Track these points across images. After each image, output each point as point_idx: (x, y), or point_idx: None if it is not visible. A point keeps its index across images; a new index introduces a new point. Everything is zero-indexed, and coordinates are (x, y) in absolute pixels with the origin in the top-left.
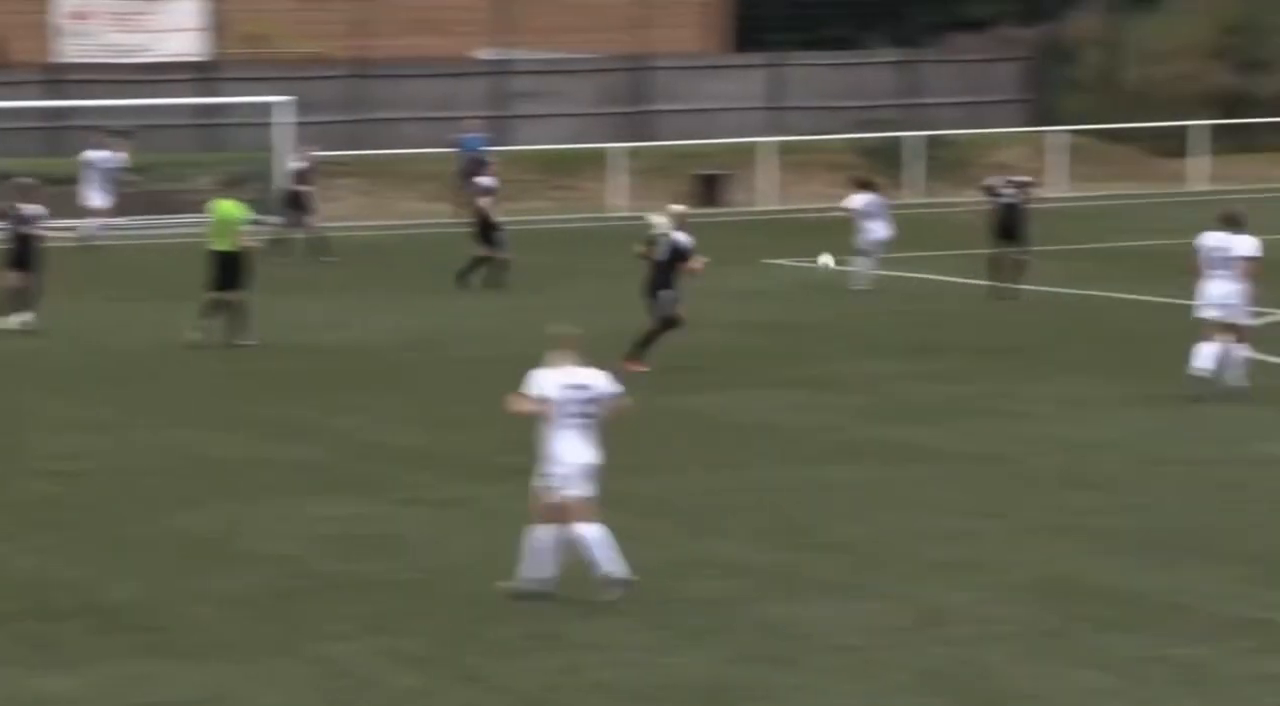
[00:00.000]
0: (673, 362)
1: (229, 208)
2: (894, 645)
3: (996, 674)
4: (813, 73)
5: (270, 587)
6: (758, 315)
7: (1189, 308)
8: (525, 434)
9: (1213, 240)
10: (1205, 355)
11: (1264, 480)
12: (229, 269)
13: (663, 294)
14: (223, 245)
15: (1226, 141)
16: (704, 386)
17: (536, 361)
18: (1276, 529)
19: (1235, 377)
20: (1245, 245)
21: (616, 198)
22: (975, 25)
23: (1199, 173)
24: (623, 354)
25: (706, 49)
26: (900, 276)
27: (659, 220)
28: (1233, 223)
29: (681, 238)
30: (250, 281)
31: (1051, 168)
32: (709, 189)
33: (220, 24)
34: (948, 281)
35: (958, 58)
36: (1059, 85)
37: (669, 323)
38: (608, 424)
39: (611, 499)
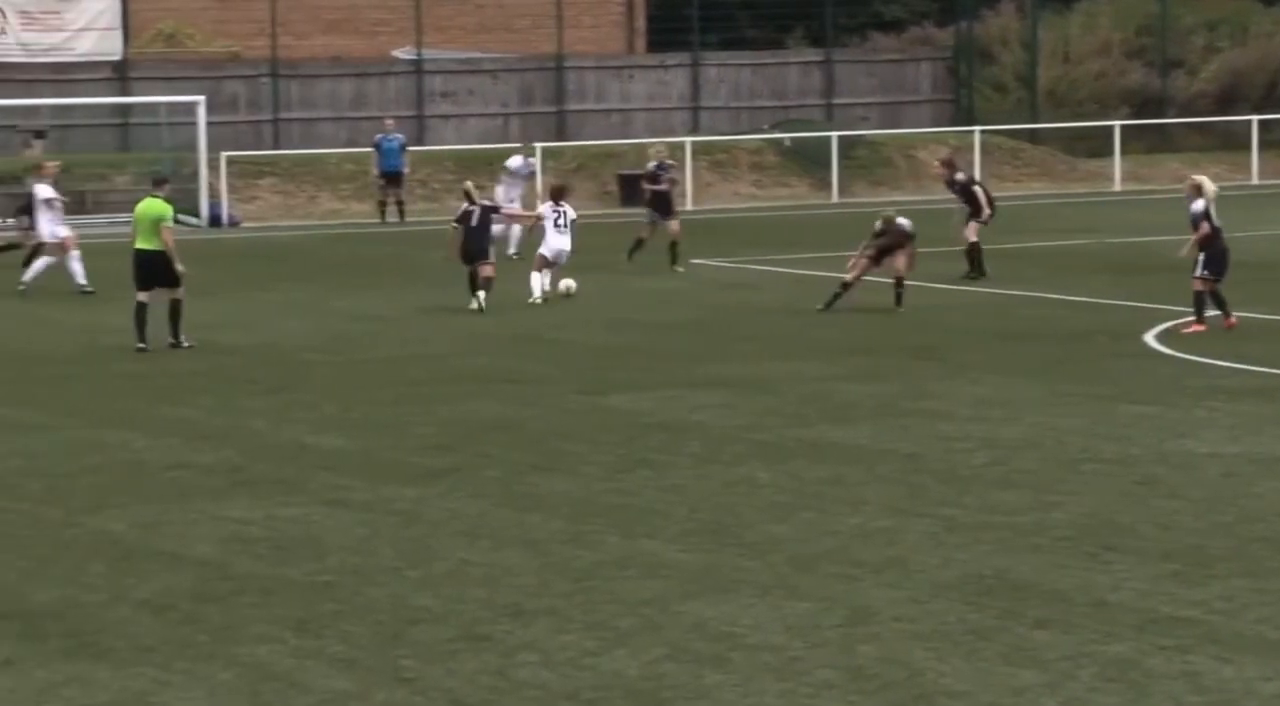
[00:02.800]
0: (595, 362)
1: (156, 206)
2: (822, 643)
3: (924, 672)
4: (731, 73)
5: (193, 590)
6: (680, 315)
7: (1109, 307)
8: (445, 435)
9: None
10: None
11: (1185, 478)
12: (154, 268)
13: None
14: (147, 244)
15: (1143, 141)
16: (628, 387)
17: (452, 362)
18: (1199, 526)
19: None
20: None
21: (535, 198)
22: (893, 26)
23: (1118, 173)
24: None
25: (625, 49)
26: (821, 276)
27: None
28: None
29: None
30: (178, 280)
31: (969, 168)
32: (630, 189)
33: (134, 23)
34: (867, 281)
35: (876, 58)
36: (976, 85)
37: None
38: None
39: (539, 500)
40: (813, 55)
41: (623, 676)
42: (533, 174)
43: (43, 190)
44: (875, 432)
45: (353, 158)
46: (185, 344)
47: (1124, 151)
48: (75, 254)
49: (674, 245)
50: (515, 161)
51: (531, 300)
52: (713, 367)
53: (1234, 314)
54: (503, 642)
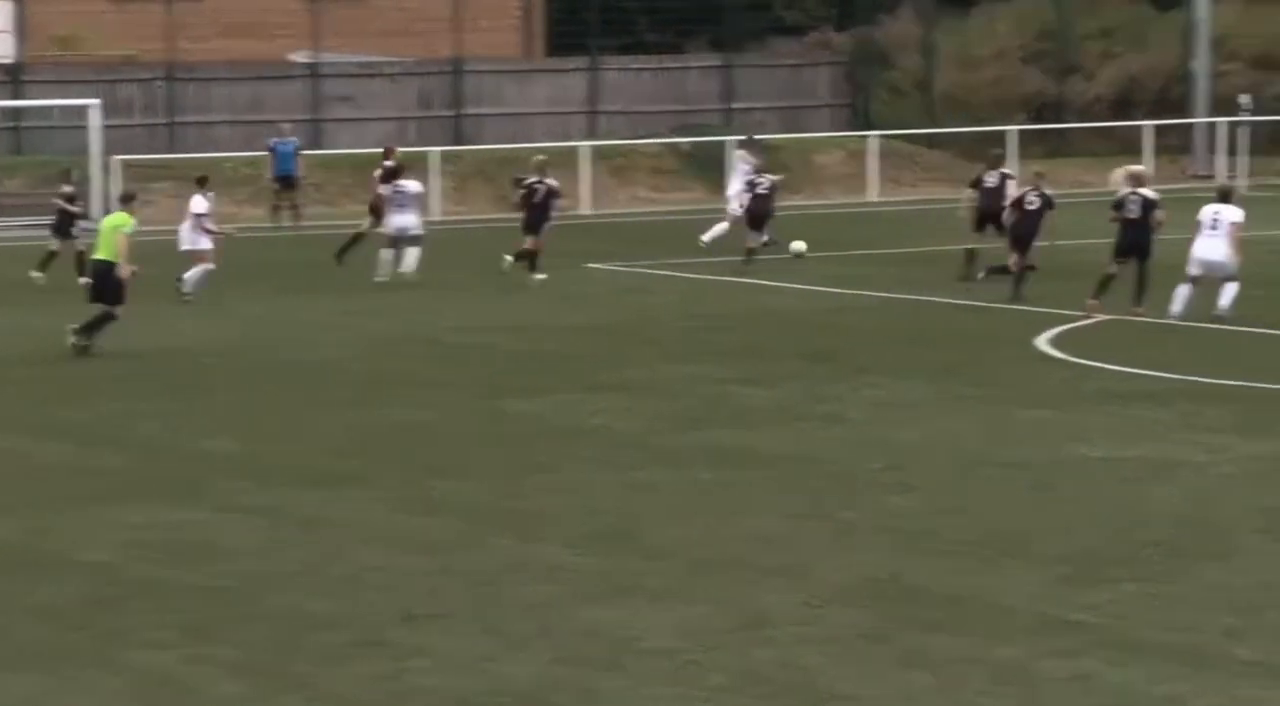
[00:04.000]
0: (494, 367)
1: (118, 216)
2: (716, 647)
3: (817, 675)
4: (631, 77)
5: (84, 595)
6: (579, 319)
7: (1005, 310)
8: (345, 440)
9: (1209, 210)
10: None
11: (1077, 482)
12: (104, 282)
13: None
14: (103, 255)
15: (1041, 146)
16: (526, 391)
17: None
18: (1090, 530)
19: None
20: (1234, 214)
21: (434, 202)
22: (793, 31)
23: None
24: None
25: (524, 53)
26: (720, 280)
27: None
28: (1225, 196)
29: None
30: (120, 299)
31: (868, 172)
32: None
33: (30, 27)
34: (766, 285)
35: (776, 63)
36: (875, 90)
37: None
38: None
39: (436, 503)
40: (712, 60)
41: (516, 681)
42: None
43: None
44: (772, 436)
45: (249, 161)
46: (90, 349)
47: (1022, 156)
48: None
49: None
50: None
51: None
52: (611, 372)
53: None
54: (397, 647)
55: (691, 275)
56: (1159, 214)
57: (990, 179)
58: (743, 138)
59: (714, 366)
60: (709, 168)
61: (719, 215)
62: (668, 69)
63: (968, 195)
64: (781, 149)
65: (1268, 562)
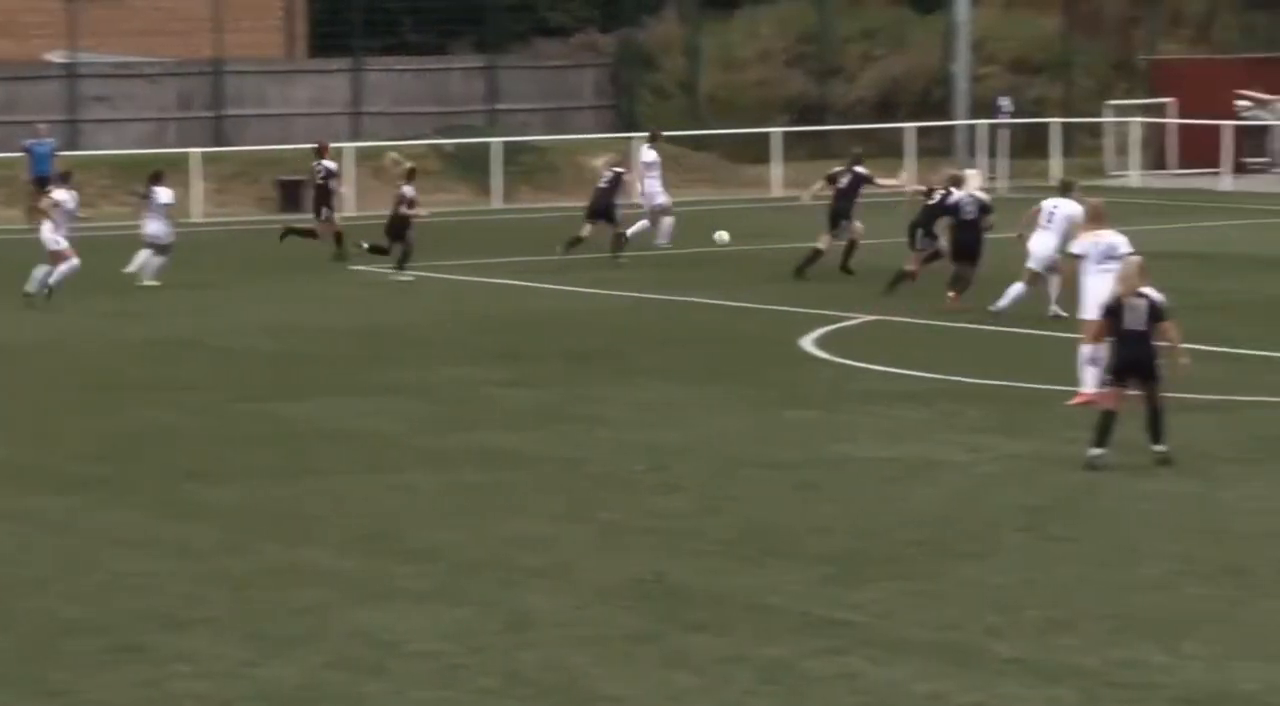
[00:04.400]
0: (258, 370)
1: None
2: (481, 650)
3: (583, 676)
4: (394, 78)
5: None
6: (343, 321)
7: (769, 311)
8: (101, 444)
9: (1048, 204)
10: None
11: (841, 481)
12: None
13: None
14: None
15: (804, 148)
16: (289, 394)
17: (110, 371)
18: (854, 529)
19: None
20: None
21: (194, 204)
22: (557, 32)
23: (778, 179)
24: None
25: (286, 54)
26: (484, 282)
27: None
28: (1066, 189)
29: None
30: None
31: (634, 173)
32: (291, 195)
33: None
34: (531, 287)
35: (540, 64)
36: (640, 91)
37: None
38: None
39: (198, 509)
40: (476, 61)
41: (281, 685)
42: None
43: None
44: (537, 438)
45: (5, 162)
46: None
47: (785, 158)
48: None
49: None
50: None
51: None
52: (377, 374)
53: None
54: (157, 653)
55: (456, 277)
56: (989, 218)
57: (844, 180)
58: (649, 132)
59: (479, 368)
60: (473, 169)
61: (484, 217)
62: (431, 70)
63: (817, 187)
64: (547, 151)
65: (1028, 560)
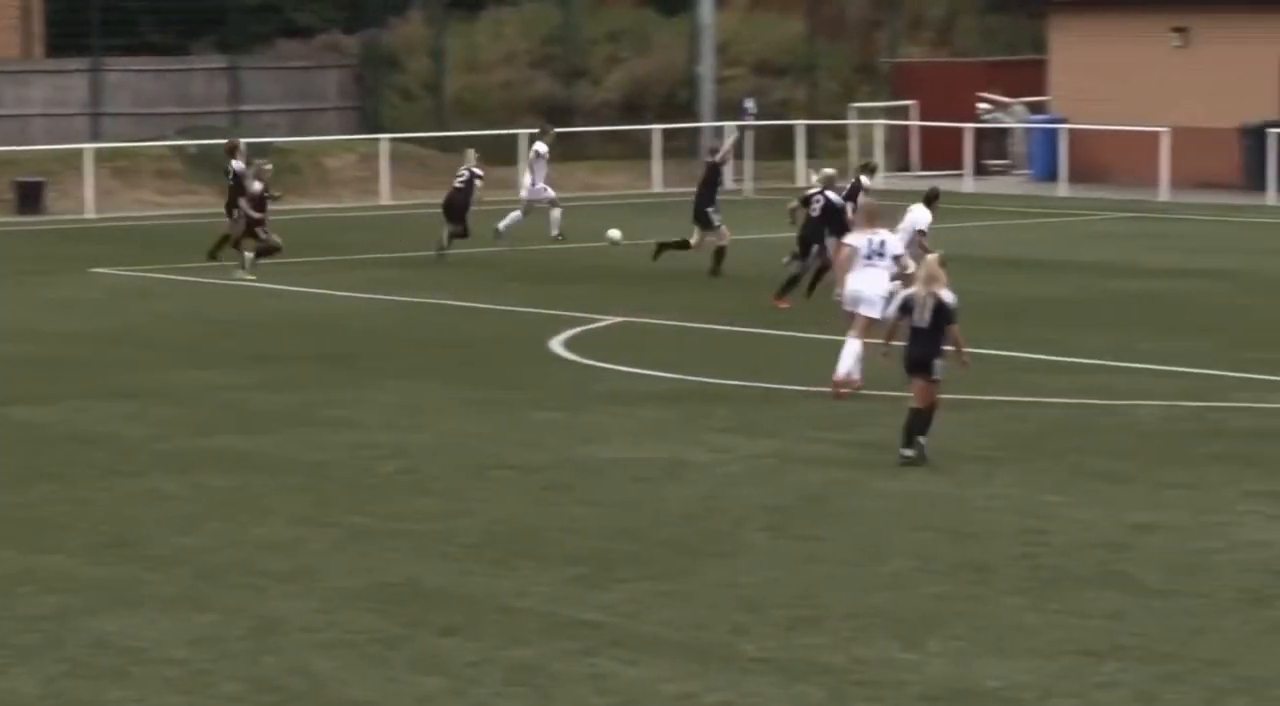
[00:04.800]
0: None
1: None
2: (226, 656)
3: (329, 681)
4: (134, 79)
5: None
6: (85, 325)
7: (518, 313)
8: None
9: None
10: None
11: (592, 483)
12: None
13: None
14: None
15: (551, 149)
16: (30, 398)
17: None
18: (602, 530)
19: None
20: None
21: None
22: (302, 33)
23: (525, 181)
24: None
25: (23, 53)
26: (230, 285)
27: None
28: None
29: None
30: None
31: (380, 175)
32: (28, 196)
33: None
34: (278, 289)
35: (283, 65)
36: (385, 93)
37: None
38: None
39: None
40: (218, 62)
41: (21, 695)
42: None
43: None
44: (283, 442)
45: None
46: None
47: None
48: None
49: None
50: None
51: None
52: (120, 378)
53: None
54: None
55: (201, 279)
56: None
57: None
58: (539, 129)
59: (224, 372)
60: (218, 171)
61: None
62: (173, 71)
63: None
64: (291, 152)
65: (774, 560)
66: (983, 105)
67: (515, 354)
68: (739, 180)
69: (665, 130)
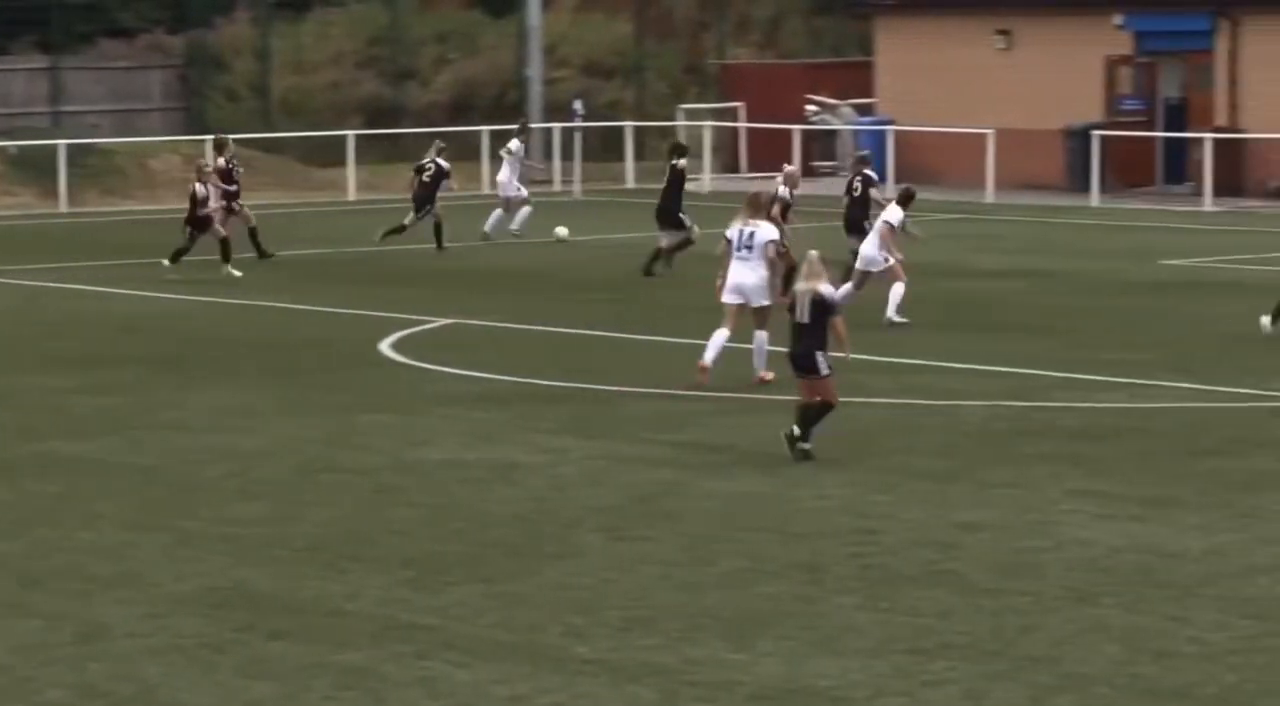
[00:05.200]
0: None
1: None
2: (51, 662)
3: (158, 687)
4: None
5: None
6: None
7: (347, 316)
8: None
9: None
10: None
11: (423, 486)
12: None
13: None
14: None
15: (378, 151)
16: None
17: None
18: (434, 533)
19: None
20: (891, 214)
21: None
22: (125, 33)
23: (353, 182)
24: None
25: None
26: (54, 287)
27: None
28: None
29: None
30: None
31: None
32: None
33: None
34: (104, 292)
35: (107, 65)
36: (209, 93)
37: None
38: None
39: None
40: (40, 62)
41: None
42: None
43: None
44: (109, 446)
45: None
46: None
47: (359, 161)
48: None
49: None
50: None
51: None
52: None
53: None
54: None
55: (24, 282)
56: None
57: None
58: (517, 125)
59: (49, 375)
60: (38, 172)
61: (49, 221)
62: None
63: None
64: (114, 153)
65: (607, 561)
66: (810, 107)
67: (345, 356)
68: (568, 181)
69: (493, 131)
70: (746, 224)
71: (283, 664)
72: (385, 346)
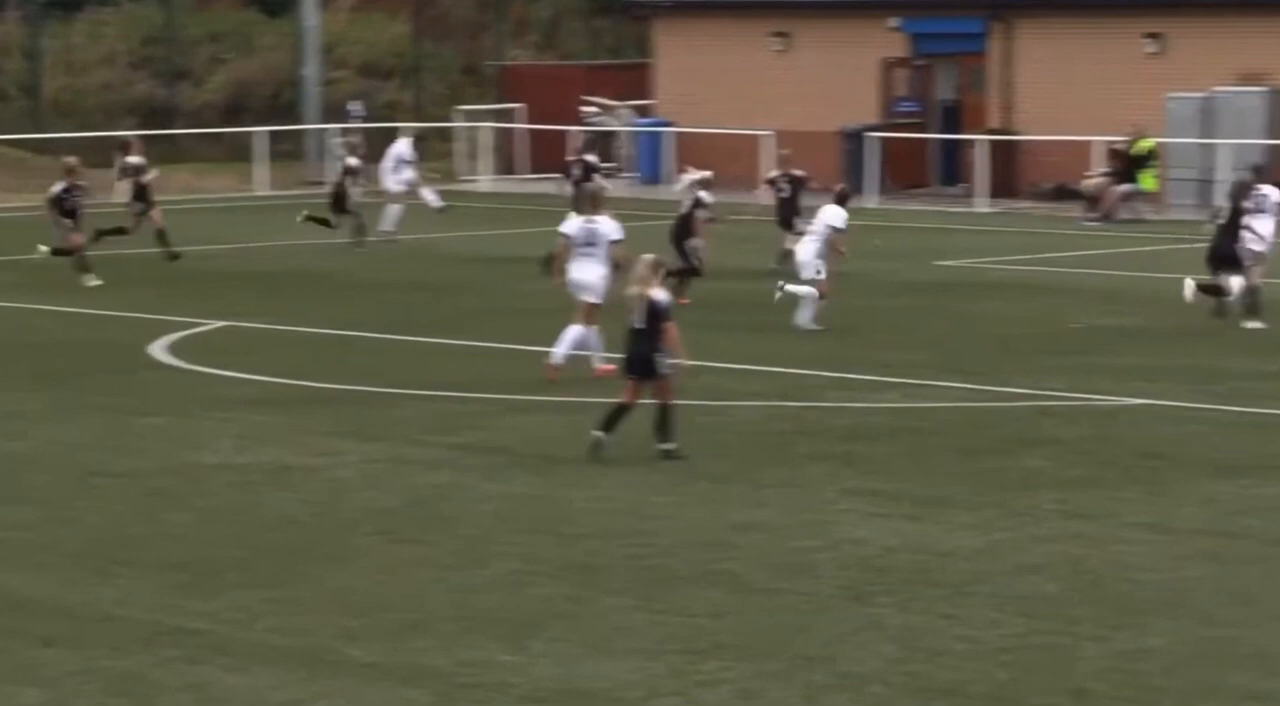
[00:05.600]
0: None
1: None
2: None
3: None
4: None
5: None
6: None
7: (115, 318)
8: None
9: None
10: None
11: (196, 489)
12: None
13: None
14: None
15: (152, 152)
16: None
17: None
18: (208, 537)
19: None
20: (834, 216)
21: None
22: None
23: (122, 184)
24: None
25: None
26: None
27: None
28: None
29: None
30: None
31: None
32: None
33: None
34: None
35: None
36: None
37: None
38: None
39: None
40: None
41: None
42: None
43: None
44: None
45: None
46: None
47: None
48: None
49: None
50: None
51: None
52: None
53: None
54: None
55: None
56: (701, 213)
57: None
58: (410, 125)
59: None
60: None
61: None
62: None
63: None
64: None
65: (383, 564)
66: (588, 108)
67: (117, 359)
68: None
69: (270, 132)
70: (589, 220)
71: (52, 669)
72: (158, 349)
